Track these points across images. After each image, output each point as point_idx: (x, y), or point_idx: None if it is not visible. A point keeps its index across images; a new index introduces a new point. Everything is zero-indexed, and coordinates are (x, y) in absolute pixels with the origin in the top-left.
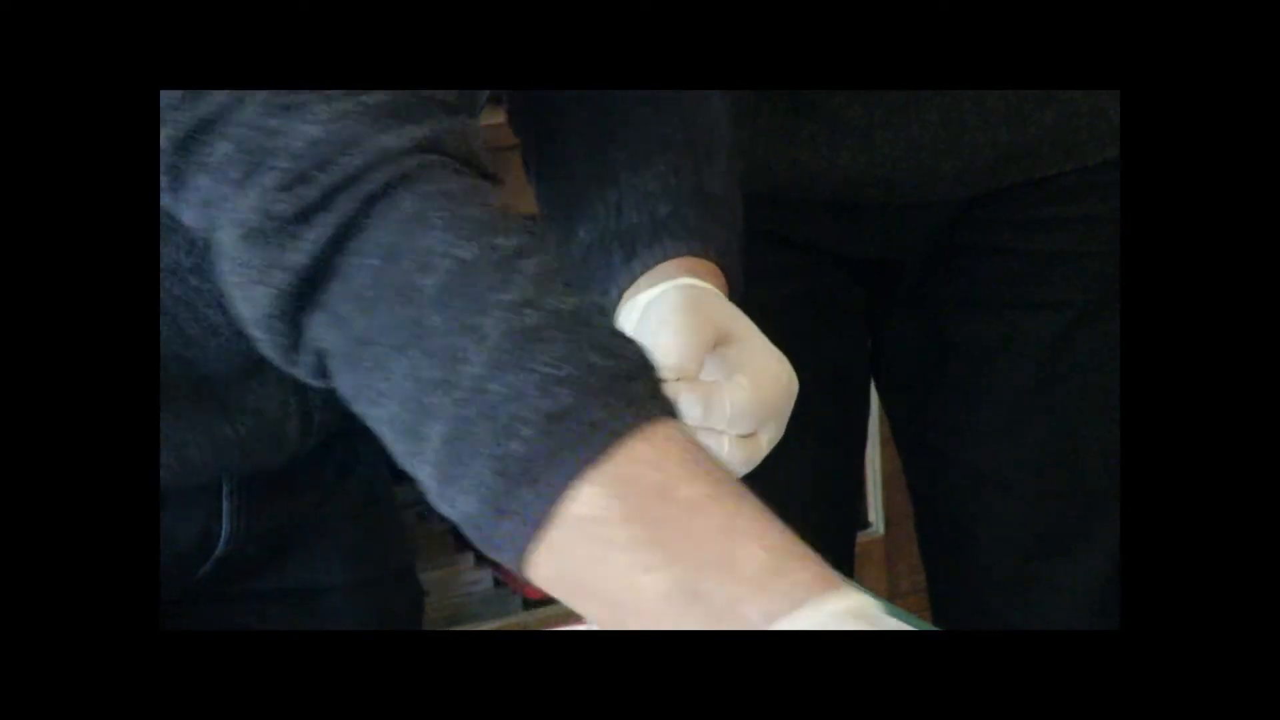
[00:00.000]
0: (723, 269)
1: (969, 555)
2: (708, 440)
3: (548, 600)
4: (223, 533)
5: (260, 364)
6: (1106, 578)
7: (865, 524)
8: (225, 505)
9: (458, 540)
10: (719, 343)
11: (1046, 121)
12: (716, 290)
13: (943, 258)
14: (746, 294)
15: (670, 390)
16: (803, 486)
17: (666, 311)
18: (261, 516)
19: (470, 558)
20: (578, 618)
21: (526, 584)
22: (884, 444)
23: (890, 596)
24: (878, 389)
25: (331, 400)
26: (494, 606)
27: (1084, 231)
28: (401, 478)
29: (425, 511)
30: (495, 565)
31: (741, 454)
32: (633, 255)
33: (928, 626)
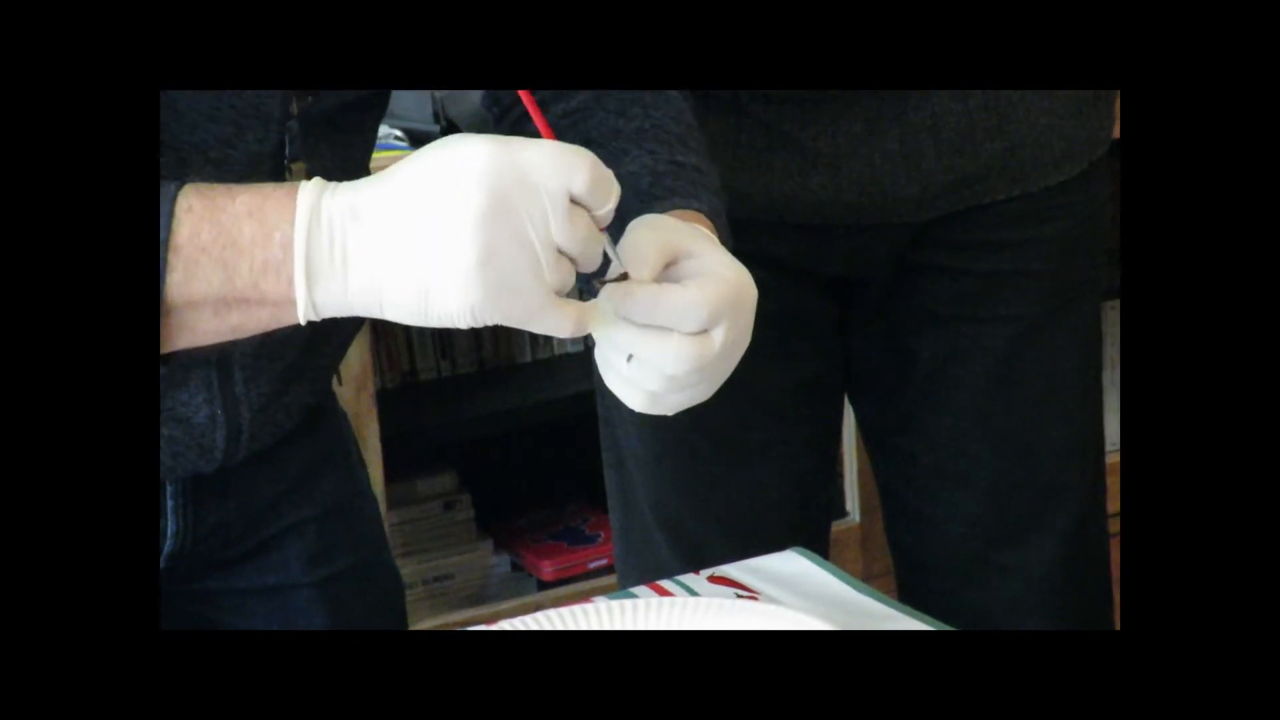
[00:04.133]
0: (708, 217)
1: (931, 544)
2: (660, 340)
3: (561, 581)
4: (168, 530)
5: (182, 369)
6: (1057, 562)
7: (843, 513)
8: (169, 503)
9: (480, 528)
10: (678, 258)
11: (995, 150)
12: (683, 222)
13: (903, 276)
14: None
15: (621, 292)
16: (783, 483)
17: (627, 231)
18: (208, 515)
19: (490, 544)
20: (588, 599)
21: (542, 567)
22: (859, 440)
23: (865, 578)
24: (848, 394)
25: (265, 416)
26: (511, 588)
27: (1029, 252)
28: (408, 477)
29: (450, 502)
30: (513, 550)
31: (692, 352)
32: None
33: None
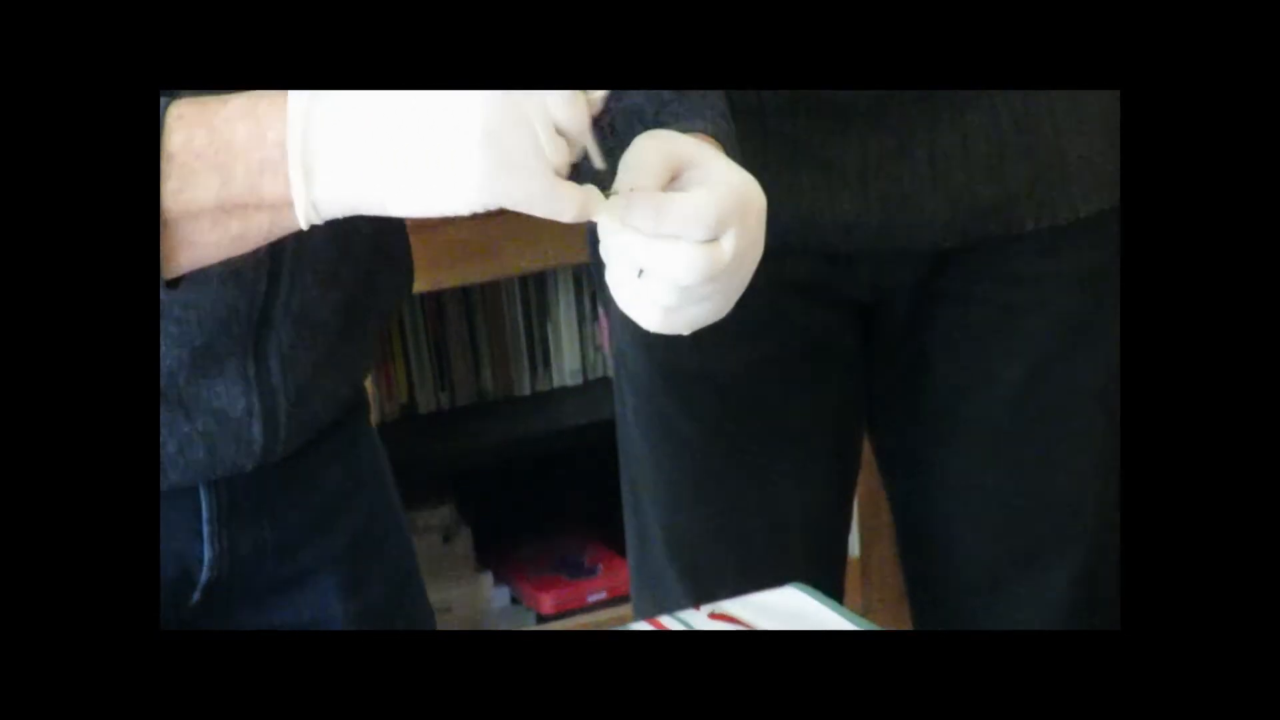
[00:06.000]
0: (715, 138)
1: (946, 570)
2: (668, 249)
3: (561, 614)
4: (205, 557)
5: (217, 359)
6: (1072, 590)
7: None
8: (205, 529)
9: (479, 560)
10: (682, 168)
11: (1024, 175)
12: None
13: (925, 305)
14: (755, 345)
15: (625, 201)
16: (804, 514)
17: (630, 145)
18: (242, 540)
19: (489, 576)
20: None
21: (541, 600)
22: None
23: (865, 611)
24: (866, 422)
25: (302, 406)
26: (510, 621)
27: (1050, 286)
28: (406, 508)
29: (449, 534)
30: (512, 583)
31: (702, 260)
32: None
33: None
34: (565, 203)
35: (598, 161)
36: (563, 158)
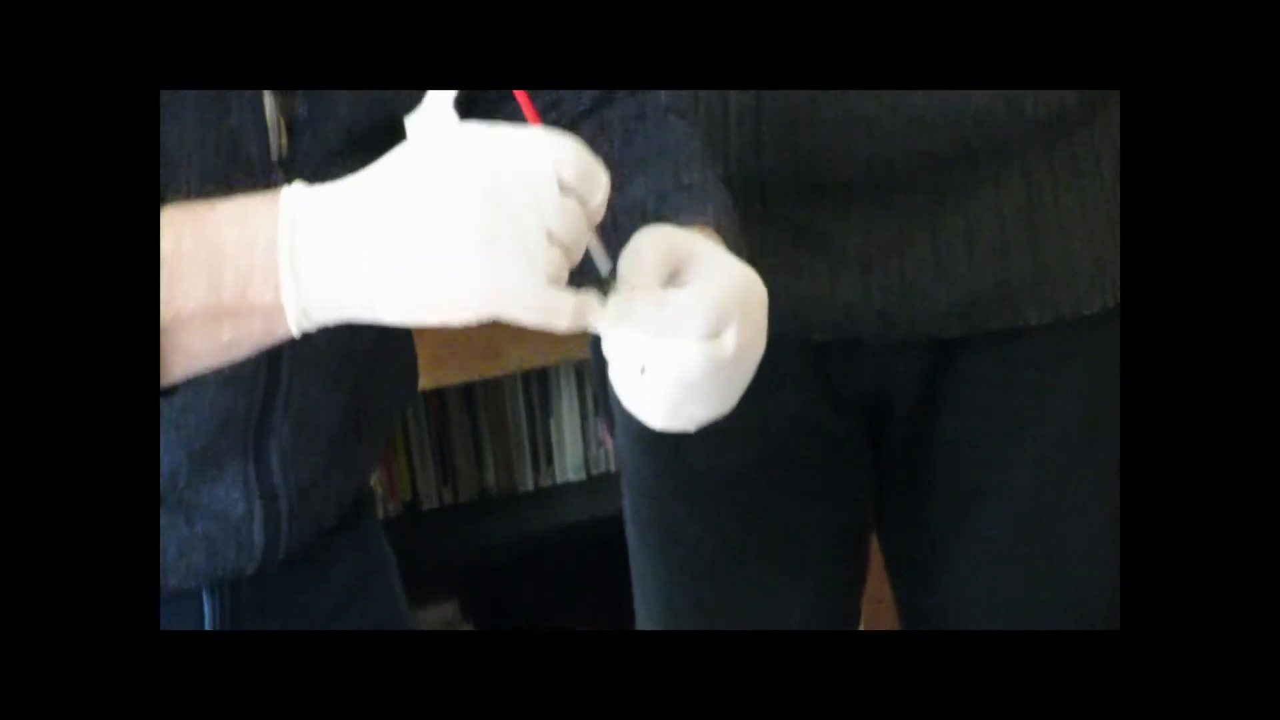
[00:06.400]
0: (716, 230)
1: None
2: (670, 347)
3: None
4: None
5: (216, 462)
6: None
7: None
8: (207, 614)
9: None
10: (681, 264)
11: (1027, 266)
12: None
13: (929, 411)
14: (758, 444)
15: (625, 300)
16: (808, 624)
17: (629, 242)
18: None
19: None
20: None
21: None
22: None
23: None
24: (875, 525)
25: (305, 508)
26: None
27: (1054, 392)
28: (425, 602)
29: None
30: None
31: (704, 356)
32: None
33: None
34: (559, 314)
35: (603, 266)
36: (557, 267)
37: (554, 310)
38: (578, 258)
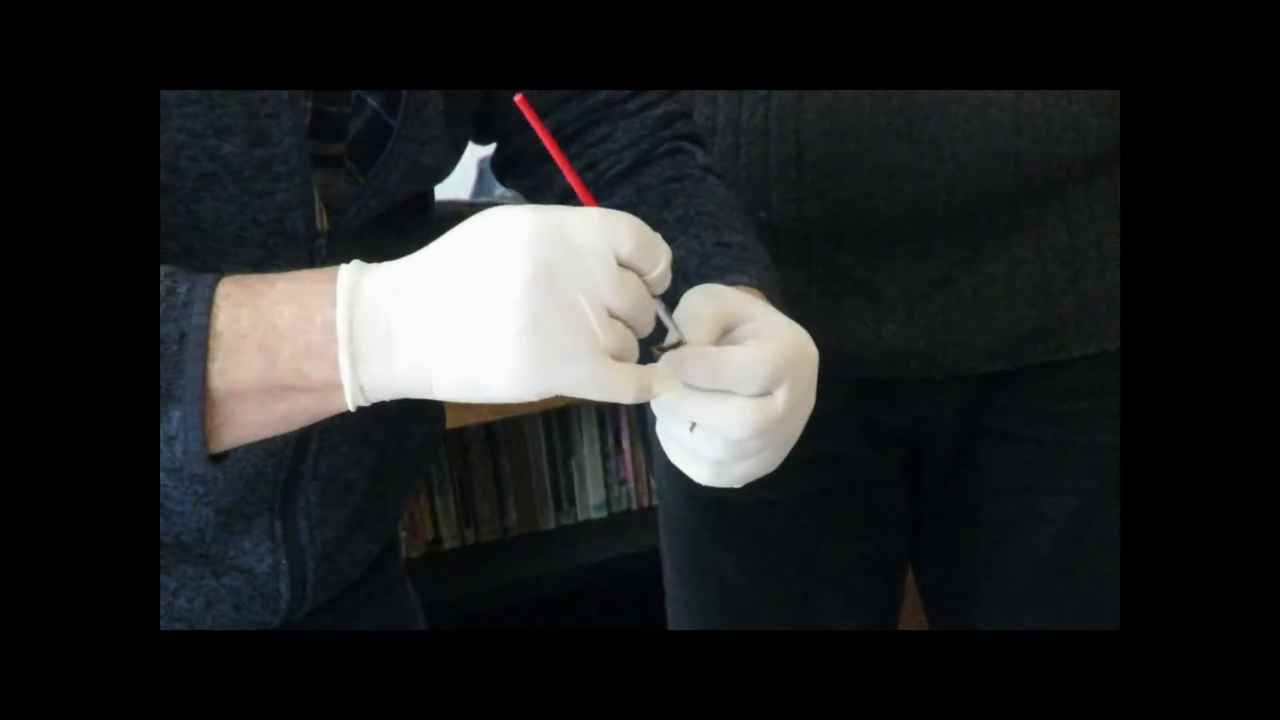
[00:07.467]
0: (759, 289)
1: None
2: (721, 404)
3: None
4: None
5: (244, 518)
6: None
7: None
8: None
9: None
10: (734, 323)
11: (1069, 304)
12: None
13: (969, 443)
14: (797, 480)
15: (679, 357)
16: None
17: (681, 300)
18: None
19: None
20: None
21: None
22: None
23: None
24: (911, 561)
25: (331, 564)
26: None
27: (1094, 424)
28: None
29: None
30: None
31: (755, 414)
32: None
33: None
34: (622, 387)
35: (674, 333)
36: (620, 341)
37: (615, 385)
38: (646, 329)
